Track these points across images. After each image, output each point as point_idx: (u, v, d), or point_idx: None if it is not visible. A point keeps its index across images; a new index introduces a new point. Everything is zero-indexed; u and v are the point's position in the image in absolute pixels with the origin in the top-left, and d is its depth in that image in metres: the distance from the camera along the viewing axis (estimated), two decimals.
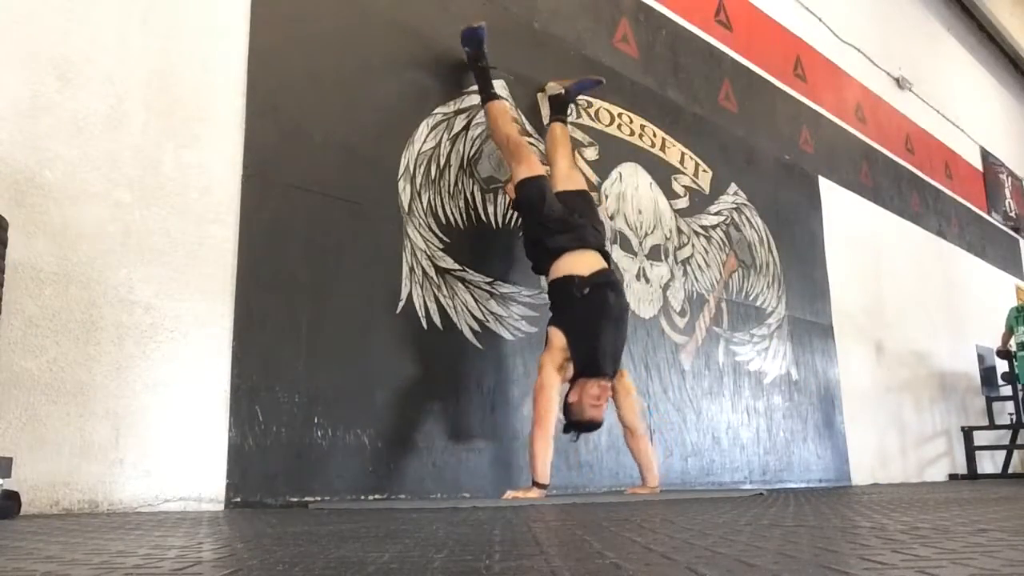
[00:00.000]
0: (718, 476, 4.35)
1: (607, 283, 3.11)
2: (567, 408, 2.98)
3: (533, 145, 3.62)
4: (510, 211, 3.57)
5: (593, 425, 3.04)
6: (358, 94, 3.12)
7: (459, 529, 1.46)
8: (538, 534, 1.35)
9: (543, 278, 3.31)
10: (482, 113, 3.50)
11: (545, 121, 3.79)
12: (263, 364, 2.65)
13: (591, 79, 3.87)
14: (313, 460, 2.70)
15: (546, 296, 3.47)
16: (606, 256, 3.24)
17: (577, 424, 3.00)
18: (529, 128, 3.75)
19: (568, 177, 3.42)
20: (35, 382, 2.21)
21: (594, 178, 4.06)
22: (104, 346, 2.35)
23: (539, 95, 3.84)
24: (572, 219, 3.19)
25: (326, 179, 2.94)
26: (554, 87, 3.80)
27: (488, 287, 3.40)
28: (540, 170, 3.32)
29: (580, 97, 4.02)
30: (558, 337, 2.99)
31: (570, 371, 2.99)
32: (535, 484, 2.85)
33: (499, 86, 3.64)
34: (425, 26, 3.43)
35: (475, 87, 3.52)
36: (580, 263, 3.10)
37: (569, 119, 3.82)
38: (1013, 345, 6.89)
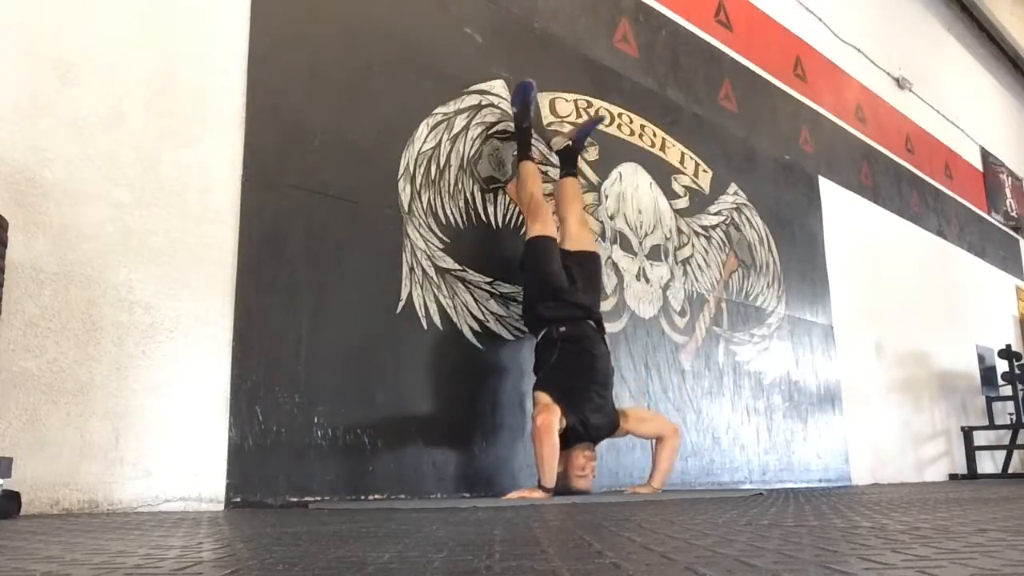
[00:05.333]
0: (718, 476, 4.35)
1: (589, 336, 3.15)
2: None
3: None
4: (510, 211, 3.57)
5: (581, 494, 3.06)
6: (358, 94, 3.12)
7: (459, 529, 1.46)
8: (538, 534, 1.35)
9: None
10: (483, 114, 3.52)
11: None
12: (263, 364, 2.65)
13: (591, 121, 3.87)
14: (313, 460, 2.70)
15: None
16: (599, 328, 3.26)
17: (565, 493, 3.01)
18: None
19: (577, 237, 3.42)
20: (35, 382, 2.21)
21: (594, 178, 4.07)
22: (104, 346, 2.35)
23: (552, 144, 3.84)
24: (568, 288, 3.21)
25: (326, 179, 2.95)
26: (560, 141, 3.80)
27: (488, 287, 3.40)
28: (552, 231, 3.33)
29: (580, 96, 4.02)
30: (544, 397, 2.99)
31: (564, 423, 2.96)
32: (541, 487, 2.86)
33: (499, 86, 3.65)
34: (425, 26, 3.43)
35: (476, 87, 3.53)
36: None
37: (567, 137, 3.81)
38: None
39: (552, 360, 3.09)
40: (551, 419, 2.87)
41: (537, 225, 3.30)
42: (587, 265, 3.38)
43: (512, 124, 3.60)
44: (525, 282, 3.34)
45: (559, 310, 3.16)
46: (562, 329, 3.11)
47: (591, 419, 3.05)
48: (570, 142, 3.74)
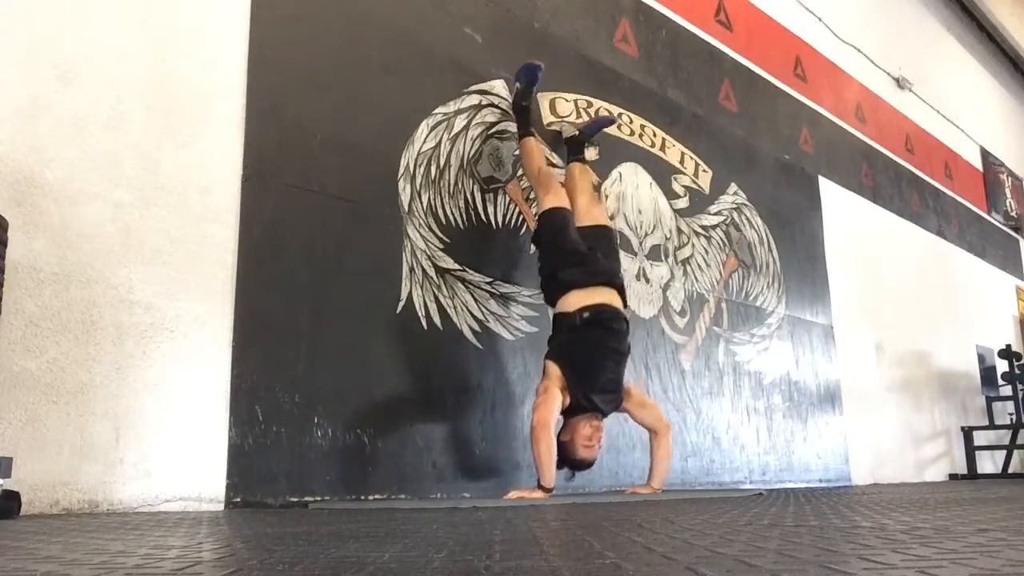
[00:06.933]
0: (718, 476, 4.35)
1: (610, 317, 3.10)
2: (560, 447, 2.96)
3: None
4: (510, 211, 3.57)
5: (586, 465, 3.03)
6: (358, 94, 3.12)
7: (459, 529, 1.46)
8: (538, 534, 1.35)
9: (549, 309, 3.30)
10: (483, 114, 3.52)
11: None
12: (263, 364, 2.65)
13: (604, 118, 3.97)
14: (313, 460, 2.70)
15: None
16: (621, 293, 3.22)
17: (570, 463, 3.00)
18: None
19: (588, 213, 3.44)
20: (35, 382, 2.21)
21: (594, 178, 4.06)
22: (104, 346, 2.35)
23: (559, 131, 3.88)
24: (589, 254, 3.21)
25: (326, 179, 2.95)
26: (569, 129, 3.87)
27: (488, 287, 3.40)
28: (566, 203, 3.34)
29: (580, 96, 4.02)
30: (554, 368, 2.97)
31: (567, 400, 2.95)
32: (540, 487, 2.86)
33: (499, 86, 3.65)
34: (425, 26, 3.43)
35: (476, 87, 3.53)
36: (588, 299, 3.09)
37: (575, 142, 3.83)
38: None
39: (568, 327, 3.06)
40: (547, 415, 2.85)
41: (550, 196, 3.32)
42: (603, 236, 3.41)
43: (511, 122, 3.60)
44: (541, 255, 3.31)
45: (581, 275, 3.13)
46: (586, 315, 3.04)
47: (599, 393, 3.00)
48: (578, 132, 3.81)
